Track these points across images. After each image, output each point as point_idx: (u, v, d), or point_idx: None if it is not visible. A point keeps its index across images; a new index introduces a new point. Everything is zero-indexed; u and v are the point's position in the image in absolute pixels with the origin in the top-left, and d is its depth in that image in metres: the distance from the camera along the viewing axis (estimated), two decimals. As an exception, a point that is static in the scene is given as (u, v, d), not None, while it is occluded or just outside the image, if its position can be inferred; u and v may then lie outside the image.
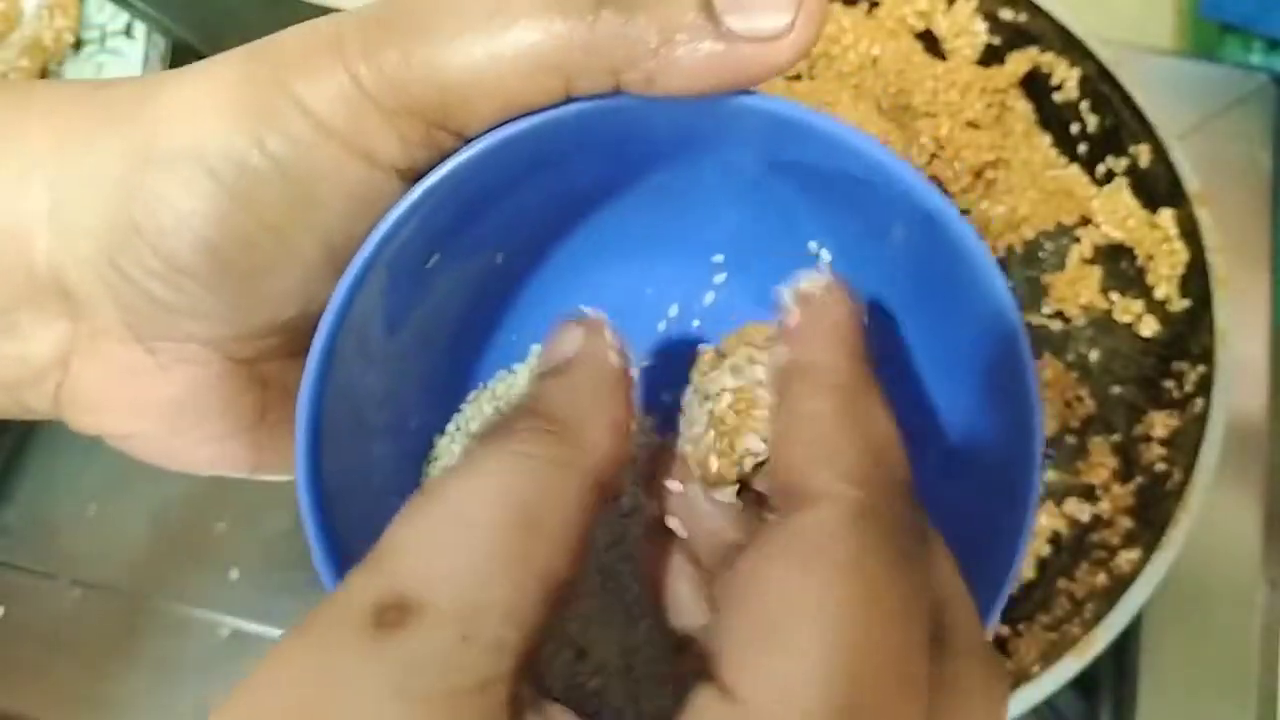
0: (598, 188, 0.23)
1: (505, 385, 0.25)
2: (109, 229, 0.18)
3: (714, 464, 0.18)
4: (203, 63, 0.19)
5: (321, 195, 0.18)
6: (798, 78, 0.52)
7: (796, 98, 0.48)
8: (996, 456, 0.20)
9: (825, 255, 0.23)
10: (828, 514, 0.15)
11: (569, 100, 0.18)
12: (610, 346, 0.18)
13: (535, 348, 0.25)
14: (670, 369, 0.24)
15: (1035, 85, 0.49)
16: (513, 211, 0.22)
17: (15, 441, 0.53)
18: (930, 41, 0.51)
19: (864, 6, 0.52)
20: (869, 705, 0.13)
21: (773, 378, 0.18)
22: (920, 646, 0.14)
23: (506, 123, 0.18)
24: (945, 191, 0.48)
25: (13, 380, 0.20)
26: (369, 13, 0.18)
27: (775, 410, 0.18)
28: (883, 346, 0.20)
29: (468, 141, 0.18)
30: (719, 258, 0.25)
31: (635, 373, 0.18)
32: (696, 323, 0.25)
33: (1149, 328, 0.47)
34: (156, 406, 0.20)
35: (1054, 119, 0.50)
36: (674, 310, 0.25)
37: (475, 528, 0.14)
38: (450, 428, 0.24)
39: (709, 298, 0.25)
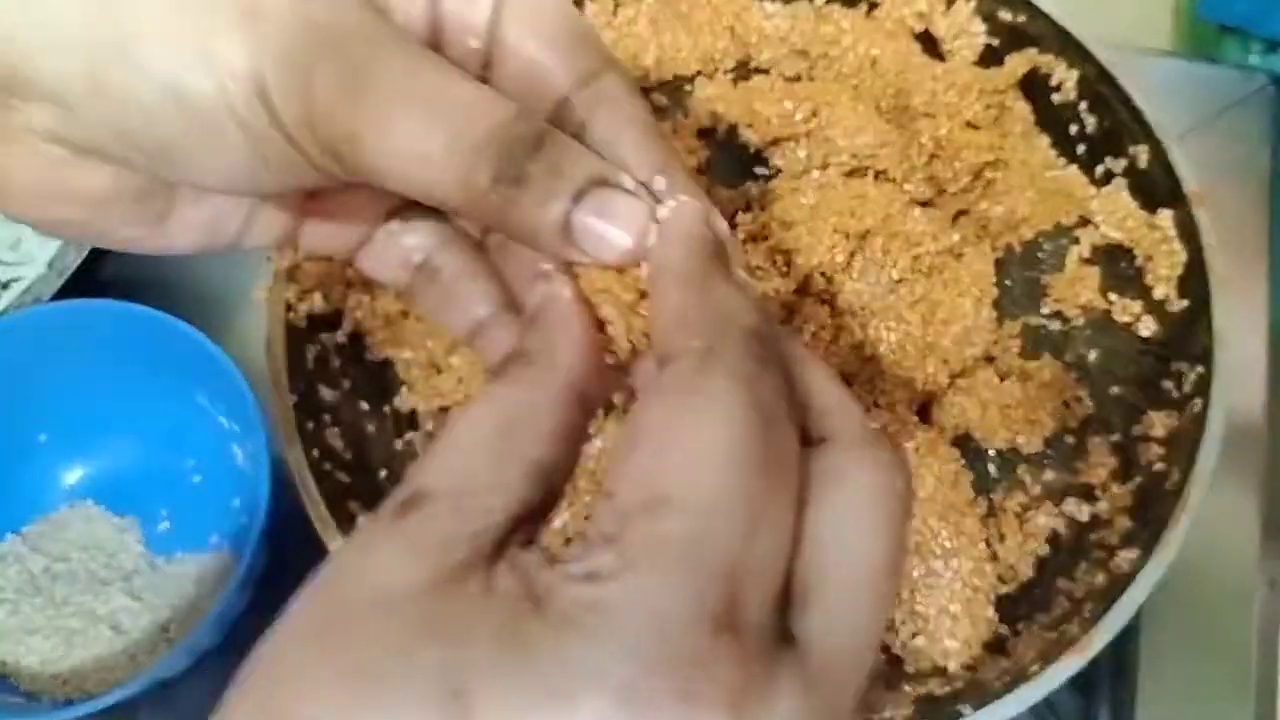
0: None
1: None
2: (92, 45, 0.20)
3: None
4: None
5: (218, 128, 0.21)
6: (797, 79, 0.52)
7: (796, 100, 0.48)
8: None
9: None
10: (680, 365, 0.18)
11: None
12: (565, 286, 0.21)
13: None
14: None
15: (1034, 86, 0.49)
16: None
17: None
18: (929, 43, 0.51)
19: (863, 8, 0.52)
20: (728, 490, 0.17)
21: (647, 279, 0.21)
22: (777, 444, 0.18)
23: None
24: (944, 191, 0.48)
25: None
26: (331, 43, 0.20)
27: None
28: None
29: None
30: None
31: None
32: None
33: (1148, 328, 0.47)
34: (81, 198, 0.23)
35: (1053, 120, 0.50)
36: None
37: (470, 435, 0.19)
38: None
39: None
